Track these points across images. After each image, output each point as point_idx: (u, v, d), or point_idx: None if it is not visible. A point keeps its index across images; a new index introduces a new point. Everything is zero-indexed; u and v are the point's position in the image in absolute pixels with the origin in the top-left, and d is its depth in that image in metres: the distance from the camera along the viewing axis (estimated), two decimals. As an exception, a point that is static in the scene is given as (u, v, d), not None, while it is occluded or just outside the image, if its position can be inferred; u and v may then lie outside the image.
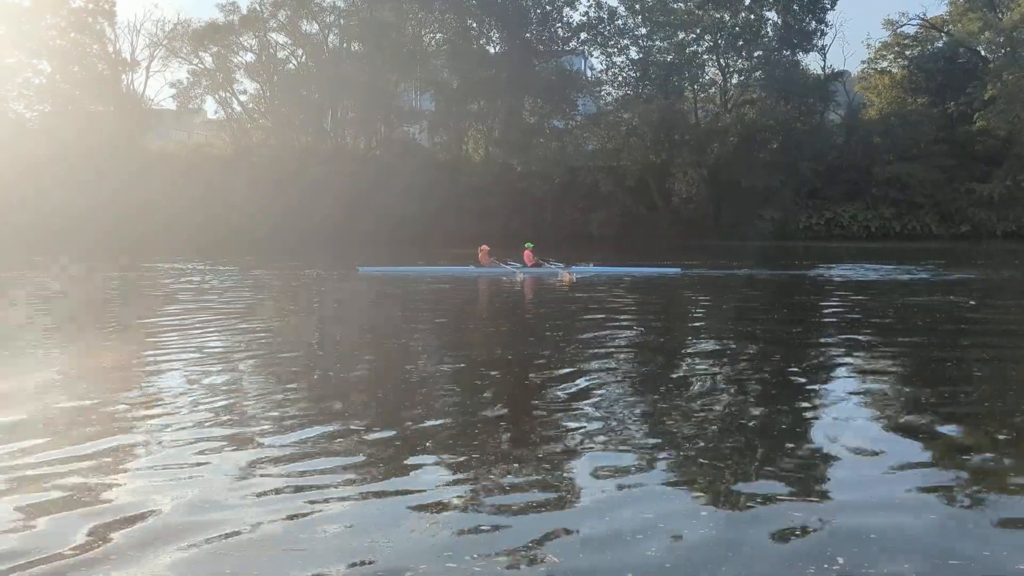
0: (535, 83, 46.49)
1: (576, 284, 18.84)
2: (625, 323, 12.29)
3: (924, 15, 50.31)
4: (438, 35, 50.93)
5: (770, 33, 46.27)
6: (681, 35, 46.08)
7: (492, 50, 49.44)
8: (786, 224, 45.16)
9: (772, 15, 46.89)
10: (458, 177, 43.80)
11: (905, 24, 51.27)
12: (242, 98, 52.91)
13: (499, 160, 45.15)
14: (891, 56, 52.74)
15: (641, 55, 45.27)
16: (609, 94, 48.14)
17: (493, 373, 8.30)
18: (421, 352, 9.90)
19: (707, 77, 47.67)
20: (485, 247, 22.31)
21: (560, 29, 48.03)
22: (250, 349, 9.53)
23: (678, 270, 21.67)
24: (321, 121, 48.58)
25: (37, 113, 52.33)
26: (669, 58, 44.85)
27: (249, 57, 51.17)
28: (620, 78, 46.99)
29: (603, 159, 43.38)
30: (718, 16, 45.61)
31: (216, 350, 9.31)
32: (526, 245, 22.32)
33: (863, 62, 54.65)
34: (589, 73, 49.05)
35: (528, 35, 47.17)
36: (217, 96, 52.09)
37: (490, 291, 18.15)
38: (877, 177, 45.75)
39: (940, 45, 51.41)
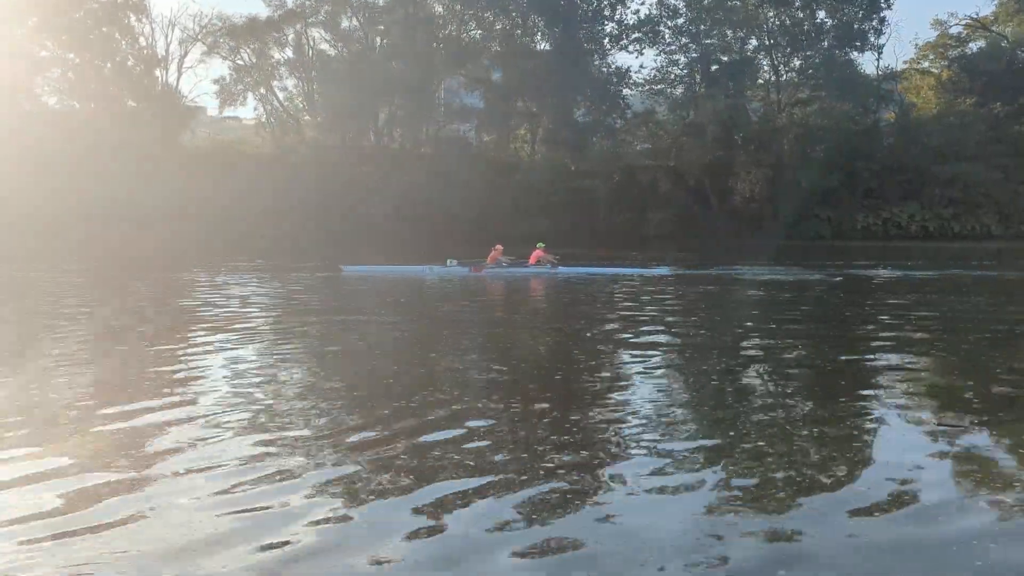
0: (586, 81, 46.09)
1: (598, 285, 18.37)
2: (656, 324, 11.85)
3: (976, 15, 49.59)
4: (482, 32, 50.34)
5: (826, 32, 45.66)
6: (733, 32, 45.53)
7: (540, 47, 49.04)
8: (843, 224, 44.52)
9: (827, 14, 46.24)
10: (513, 175, 43.31)
11: (954, 25, 50.70)
12: (282, 95, 52.12)
13: (553, 159, 44.62)
14: (933, 56, 52.25)
15: (699, 53, 44.74)
16: (660, 92, 47.58)
17: (557, 377, 7.94)
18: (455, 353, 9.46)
19: (762, 76, 47.03)
20: (499, 247, 21.77)
21: (612, 26, 47.61)
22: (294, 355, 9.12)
23: (666, 270, 21.40)
24: (367, 119, 48.05)
25: (70, 107, 51.56)
26: (728, 57, 44.32)
27: (289, 53, 50.81)
28: (672, 76, 46.44)
29: (662, 158, 42.77)
30: (774, 14, 45.13)
31: (264, 363, 8.65)
32: (538, 245, 21.84)
33: (905, 62, 54.27)
34: (643, 71, 48.63)
35: (580, 33, 46.75)
36: (258, 93, 51.26)
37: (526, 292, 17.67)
38: (935, 177, 45.07)
39: (983, 45, 50.88)
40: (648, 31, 46.40)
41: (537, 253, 21.31)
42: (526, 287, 18.48)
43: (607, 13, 46.97)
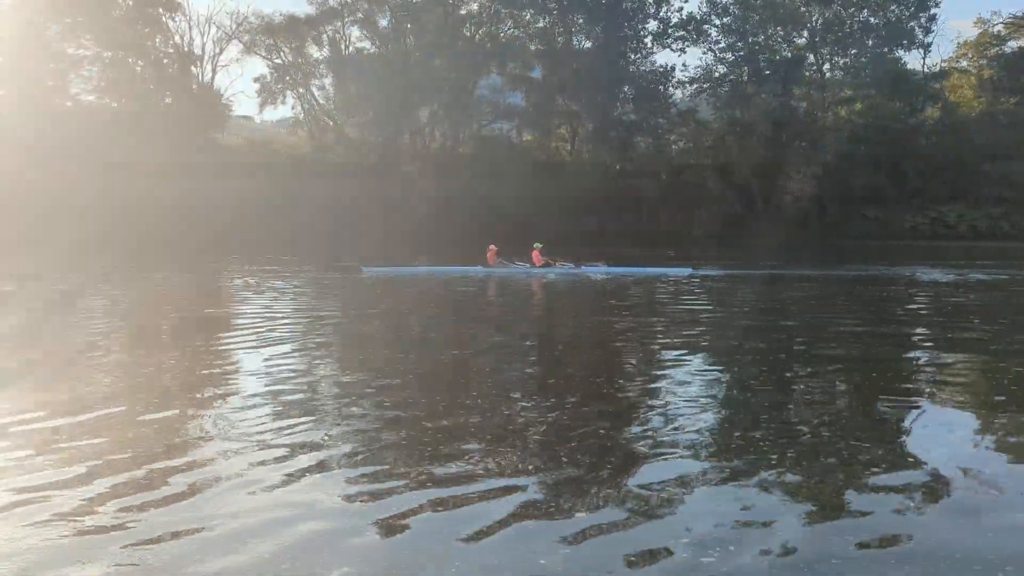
0: (629, 80, 45.94)
1: (624, 284, 18.15)
2: (707, 324, 11.76)
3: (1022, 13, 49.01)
4: (520, 31, 50.10)
5: (873, 30, 45.28)
6: (779, 30, 45.19)
7: (580, 46, 48.81)
8: (891, 224, 44.20)
9: (876, 12, 45.82)
10: (559, 175, 43.25)
11: (998, 23, 50.18)
12: (319, 94, 51.86)
13: (599, 159, 44.49)
14: (971, 55, 51.70)
15: (747, 51, 44.43)
16: (704, 90, 47.35)
17: (597, 381, 7.71)
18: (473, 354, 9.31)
19: (808, 74, 46.67)
20: (493, 247, 21.53)
21: (654, 24, 47.35)
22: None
23: (688, 270, 21.13)
24: (409, 118, 47.96)
25: (106, 105, 51.22)
26: (777, 56, 44.04)
27: (326, 52, 50.49)
28: (719, 74, 46.16)
29: (708, 157, 42.58)
30: (819, 12, 44.80)
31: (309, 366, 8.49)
32: (535, 245, 21.46)
33: (943, 61, 53.77)
34: (687, 70, 48.29)
35: (623, 31, 46.55)
36: (296, 92, 50.97)
37: (538, 292, 17.36)
38: (983, 176, 44.67)
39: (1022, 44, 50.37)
40: (693, 29, 46.14)
41: (534, 254, 21.10)
42: (551, 288, 18.06)
43: (650, 11, 46.73)
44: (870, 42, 46.17)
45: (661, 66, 46.91)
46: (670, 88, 46.55)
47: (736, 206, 43.78)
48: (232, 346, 9.33)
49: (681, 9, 46.91)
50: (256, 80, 50.09)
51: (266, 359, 8.30)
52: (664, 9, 46.18)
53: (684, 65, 48.11)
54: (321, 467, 4.81)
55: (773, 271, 22.38)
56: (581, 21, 47.89)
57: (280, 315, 12.28)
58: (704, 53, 47.55)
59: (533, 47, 48.61)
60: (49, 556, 3.61)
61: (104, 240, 39.67)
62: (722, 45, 45.15)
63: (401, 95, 44.35)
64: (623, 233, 43.37)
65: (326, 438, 5.39)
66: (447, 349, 9.41)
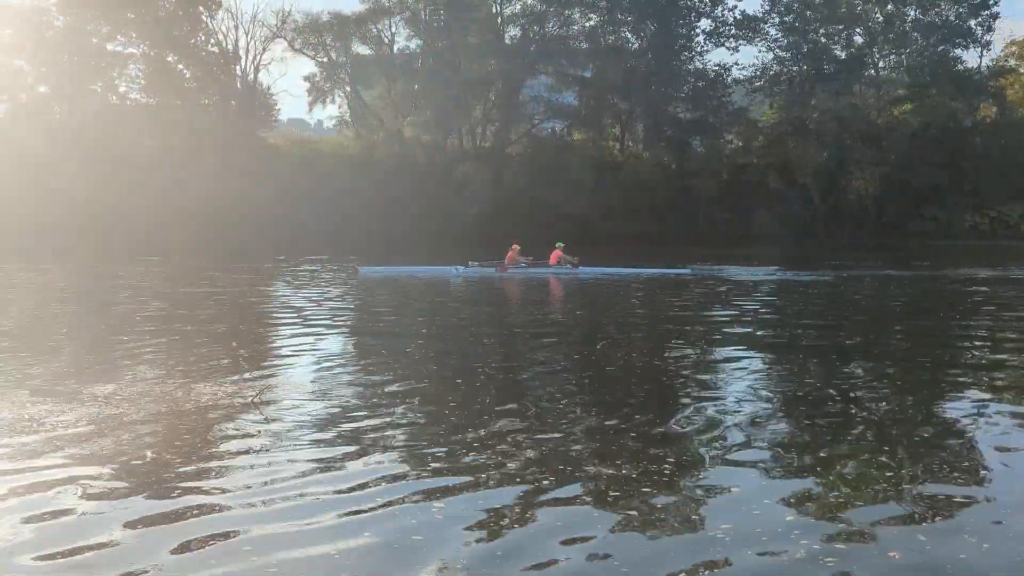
0: (685, 78, 45.84)
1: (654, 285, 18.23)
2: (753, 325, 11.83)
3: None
4: (570, 29, 49.87)
5: (933, 28, 44.78)
6: (838, 29, 44.83)
7: (632, 45, 48.69)
8: (951, 224, 43.74)
9: (930, 10, 45.33)
10: (615, 174, 43.24)
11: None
12: (367, 93, 51.38)
13: (657, 158, 44.42)
14: (1017, 52, 50.99)
15: (807, 50, 44.11)
16: (761, 89, 47.11)
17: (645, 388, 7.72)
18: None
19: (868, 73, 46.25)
20: (516, 246, 21.46)
21: (707, 23, 47.18)
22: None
23: (687, 270, 21.12)
24: (458, 117, 47.95)
25: (148, 103, 50.83)
26: (838, 54, 43.72)
27: (374, 51, 50.40)
28: (778, 73, 45.82)
29: (766, 156, 42.34)
30: (879, 10, 44.40)
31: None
32: (557, 244, 21.51)
33: (992, 60, 53.02)
34: (744, 69, 48.03)
35: (677, 29, 46.45)
36: (344, 91, 50.60)
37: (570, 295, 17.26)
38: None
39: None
40: (748, 27, 45.92)
41: (557, 253, 21.07)
42: (569, 288, 18.06)
43: (704, 9, 46.55)
44: (928, 40, 45.67)
45: (717, 64, 46.79)
46: (727, 87, 46.29)
47: (794, 206, 43.53)
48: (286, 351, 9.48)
49: (735, 7, 46.47)
50: (306, 79, 50.24)
51: (318, 361, 8.60)
52: (719, 8, 46.02)
53: (736, 64, 46.88)
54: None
55: (874, 272, 22.30)
56: (630, 19, 47.78)
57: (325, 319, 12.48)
58: (760, 52, 47.24)
59: (583, 46, 48.46)
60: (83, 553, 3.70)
61: (160, 240, 40.27)
62: (783, 43, 44.75)
63: (453, 94, 44.40)
64: (679, 234, 43.25)
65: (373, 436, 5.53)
66: (492, 351, 9.51)
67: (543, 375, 8.12)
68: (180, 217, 44.32)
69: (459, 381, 7.58)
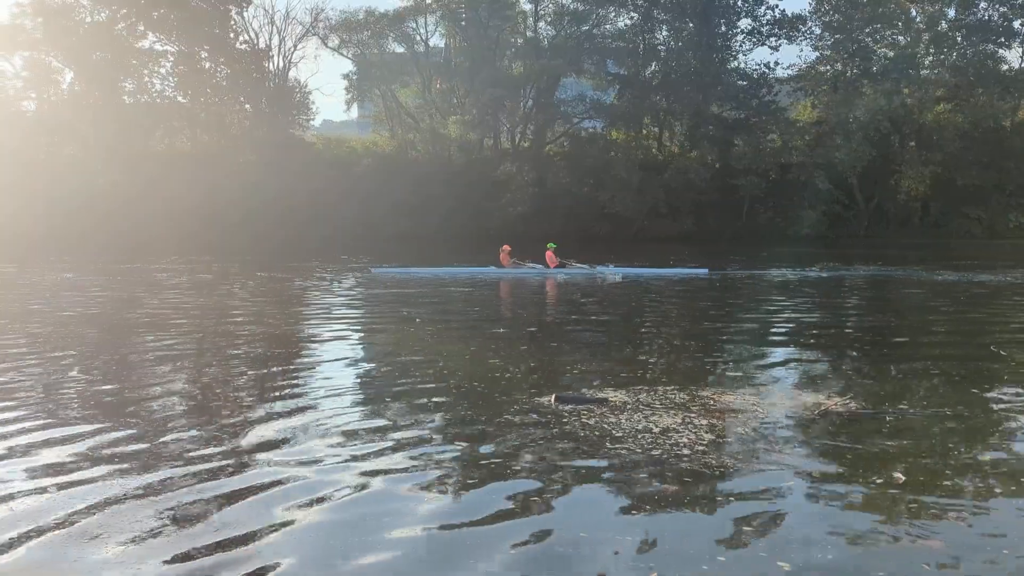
0: (725, 77, 45.64)
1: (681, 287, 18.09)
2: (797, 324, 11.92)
3: None
4: (607, 26, 49.55)
5: (977, 26, 44.37)
6: (883, 28, 44.47)
7: (671, 43, 48.44)
8: (995, 223, 43.59)
9: (971, 9, 44.88)
10: (662, 174, 43.16)
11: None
12: (404, 92, 51.02)
13: (702, 159, 44.30)
14: None
15: (852, 49, 43.75)
16: (802, 88, 46.87)
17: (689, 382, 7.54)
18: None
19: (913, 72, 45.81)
20: (507, 247, 21.37)
21: (748, 22, 46.86)
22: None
23: (705, 271, 21.07)
24: (497, 115, 47.87)
25: (178, 101, 50.60)
26: (885, 53, 43.42)
27: (409, 49, 50.06)
28: (823, 72, 45.49)
29: (810, 155, 42.18)
30: (922, 9, 44.02)
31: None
32: (548, 246, 21.36)
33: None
34: (789, 67, 47.67)
35: (719, 28, 46.20)
36: (381, 89, 49.97)
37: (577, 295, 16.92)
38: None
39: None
40: (788, 26, 45.61)
41: (548, 254, 20.99)
42: (580, 290, 17.65)
43: (745, 7, 46.21)
44: (968, 40, 45.24)
45: (759, 63, 46.56)
46: (770, 85, 46.06)
47: (840, 206, 43.50)
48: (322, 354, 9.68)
49: (776, 6, 46.14)
50: (344, 76, 50.25)
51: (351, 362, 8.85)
52: (762, 7, 45.71)
53: (776, 63, 46.56)
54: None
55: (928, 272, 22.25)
56: (666, 17, 47.49)
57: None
58: (802, 51, 46.89)
59: (621, 45, 48.21)
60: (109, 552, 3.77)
61: (197, 239, 40.38)
62: (828, 41, 44.39)
63: (497, 93, 44.31)
64: (722, 233, 43.33)
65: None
66: (527, 353, 9.42)
67: (581, 374, 8.13)
68: (217, 216, 44.66)
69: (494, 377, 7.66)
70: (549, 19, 48.88)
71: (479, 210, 43.96)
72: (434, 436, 5.70)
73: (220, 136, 50.34)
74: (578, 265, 20.68)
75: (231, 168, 46.29)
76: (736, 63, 46.57)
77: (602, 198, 42.26)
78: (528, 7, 48.91)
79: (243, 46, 50.14)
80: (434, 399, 6.80)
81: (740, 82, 45.68)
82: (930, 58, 45.50)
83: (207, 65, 49.61)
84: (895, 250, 33.64)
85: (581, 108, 47.70)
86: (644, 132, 47.78)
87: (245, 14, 50.42)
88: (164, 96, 50.22)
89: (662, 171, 43.10)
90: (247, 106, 49.58)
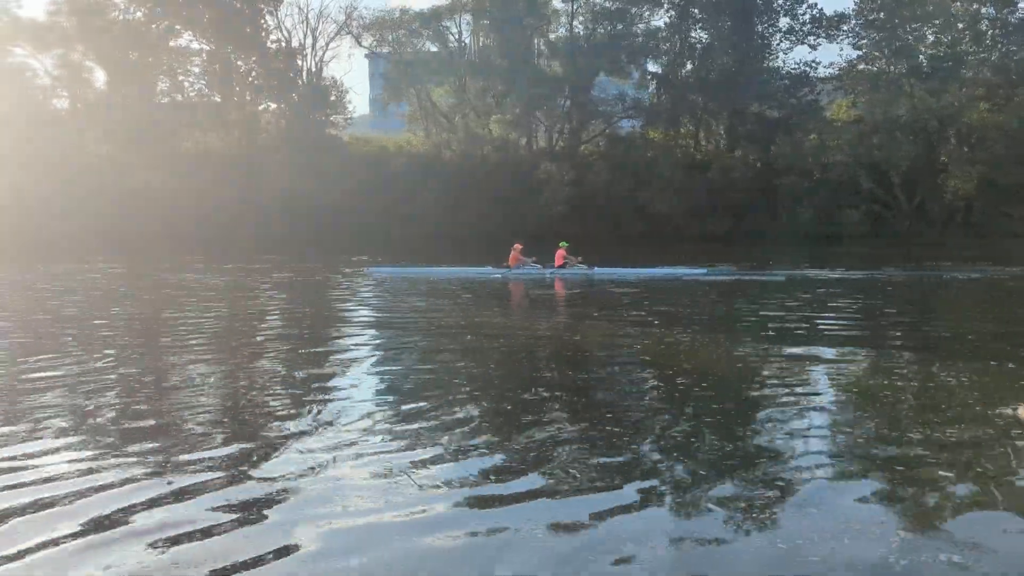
0: (766, 76, 45.27)
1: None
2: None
3: None
4: (642, 25, 49.20)
5: (1018, 25, 43.87)
6: (927, 27, 44.00)
7: (706, 42, 48.03)
8: (1037, 223, 43.10)
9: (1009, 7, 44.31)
10: (704, 173, 42.89)
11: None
12: (438, 91, 50.94)
13: (745, 159, 43.98)
14: None
15: (897, 48, 43.27)
16: (842, 87, 46.44)
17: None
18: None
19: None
20: (518, 245, 21.12)
21: (786, 22, 46.46)
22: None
23: (704, 270, 20.85)
24: (541, 116, 47.68)
25: (214, 100, 50.64)
26: (936, 51, 42.89)
27: (443, 48, 50.11)
28: (869, 71, 44.94)
29: (863, 154, 41.76)
30: (964, 8, 43.53)
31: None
32: (560, 244, 21.14)
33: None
34: (831, 66, 47.22)
35: (759, 27, 45.83)
36: (416, 88, 49.94)
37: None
38: None
39: None
40: (829, 25, 45.19)
41: (560, 253, 20.69)
42: (590, 289, 17.49)
43: (785, 6, 45.80)
44: (1009, 39, 44.72)
45: (797, 62, 46.15)
46: (812, 84, 45.67)
47: (881, 205, 43.11)
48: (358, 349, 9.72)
49: (815, 5, 45.64)
50: (382, 75, 50.03)
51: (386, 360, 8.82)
52: (802, 6, 45.28)
53: (814, 61, 46.16)
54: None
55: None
56: (703, 16, 47.14)
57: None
58: (842, 50, 46.48)
59: (658, 45, 47.89)
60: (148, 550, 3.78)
61: (230, 238, 40.37)
62: (871, 40, 43.88)
63: (536, 92, 44.12)
64: (762, 233, 43.05)
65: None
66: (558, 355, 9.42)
67: (612, 376, 8.14)
68: (249, 215, 44.54)
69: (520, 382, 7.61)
70: (584, 18, 48.53)
71: (515, 210, 43.73)
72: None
73: (252, 135, 50.30)
74: (580, 265, 20.49)
75: (265, 167, 46.23)
76: (776, 62, 46.11)
77: (643, 197, 41.99)
78: (563, 6, 48.68)
79: (274, 45, 50.11)
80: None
81: (781, 81, 45.20)
82: (970, 57, 44.98)
83: (239, 64, 49.50)
84: (943, 249, 33.28)
85: (620, 107, 47.39)
86: (682, 131, 47.32)
87: (278, 13, 50.35)
88: (198, 95, 49.93)
89: (703, 170, 42.77)
90: (281, 105, 49.34)
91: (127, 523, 4.12)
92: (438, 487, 4.65)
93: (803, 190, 42.38)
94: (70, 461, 5.10)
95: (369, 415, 6.18)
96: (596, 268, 20.42)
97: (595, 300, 15.95)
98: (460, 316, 13.05)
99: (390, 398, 6.95)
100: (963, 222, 43.21)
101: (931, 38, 43.69)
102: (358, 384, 7.48)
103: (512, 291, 17.51)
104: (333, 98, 48.65)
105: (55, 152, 46.02)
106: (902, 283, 19.24)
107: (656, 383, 7.74)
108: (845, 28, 44.64)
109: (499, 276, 19.95)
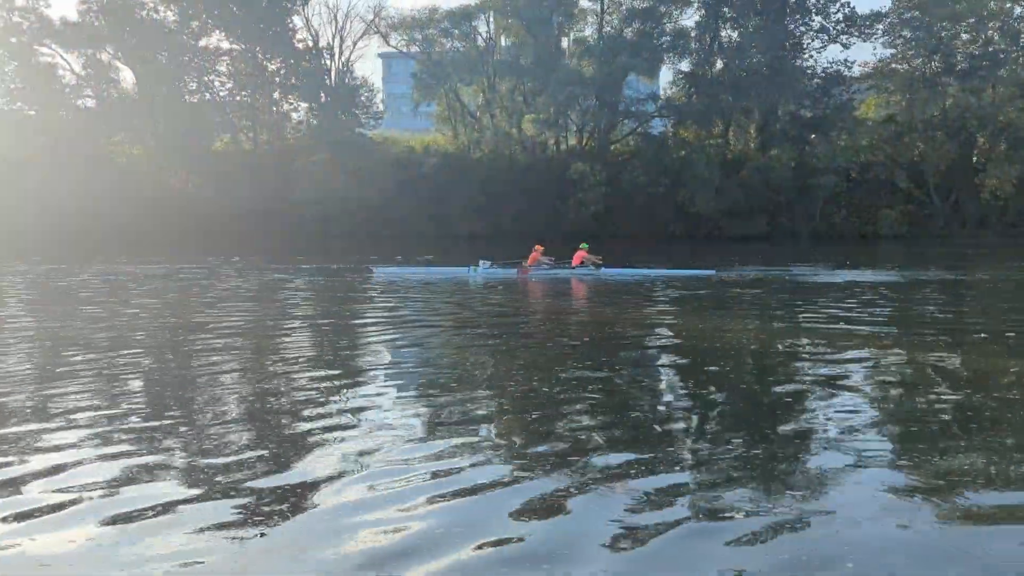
0: (799, 75, 45.07)
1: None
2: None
3: None
4: (672, 23, 48.92)
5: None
6: (956, 25, 43.83)
7: (738, 41, 47.74)
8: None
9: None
10: (739, 172, 42.72)
11: None
12: (467, 90, 50.53)
13: (779, 159, 43.76)
14: None
15: (935, 47, 43.06)
16: (876, 87, 46.25)
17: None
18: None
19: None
20: (539, 247, 21.28)
21: (819, 20, 46.20)
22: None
23: (713, 272, 20.81)
24: (566, 114, 47.33)
25: (244, 99, 50.06)
26: (978, 51, 42.69)
27: (470, 47, 49.73)
28: (905, 70, 44.73)
29: (900, 153, 41.62)
30: (998, 5, 43.38)
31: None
32: (581, 245, 21.27)
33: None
34: (866, 65, 46.98)
35: (791, 26, 45.62)
36: (446, 88, 49.36)
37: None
38: None
39: None
40: (864, 24, 44.97)
41: (580, 254, 20.77)
42: (608, 290, 17.28)
43: (819, 5, 45.58)
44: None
45: (830, 61, 45.93)
46: (847, 83, 45.44)
47: (916, 204, 43.01)
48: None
49: (848, 3, 45.41)
50: (413, 75, 49.83)
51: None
52: (834, 6, 45.08)
53: (847, 61, 45.86)
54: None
55: None
56: (732, 15, 46.88)
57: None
58: (875, 48, 46.25)
59: (688, 44, 47.70)
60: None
61: (260, 237, 40.19)
62: (905, 39, 43.67)
63: (570, 91, 43.87)
64: (798, 232, 42.94)
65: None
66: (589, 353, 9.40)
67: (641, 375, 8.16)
68: (277, 214, 44.34)
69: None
70: (614, 17, 48.33)
71: (550, 209, 43.71)
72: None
73: (282, 135, 50.18)
74: (592, 264, 20.57)
75: (295, 167, 46.10)
76: (809, 60, 45.86)
77: (681, 197, 41.86)
78: (591, 5, 48.45)
79: (300, 44, 49.89)
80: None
81: (815, 80, 45.00)
82: (1002, 55, 44.84)
83: (268, 64, 49.29)
84: (984, 249, 33.10)
85: (652, 106, 47.24)
86: (714, 131, 47.15)
87: (305, 10, 50.16)
88: (229, 93, 49.78)
89: (738, 169, 42.68)
90: (313, 105, 49.08)
91: (162, 514, 4.25)
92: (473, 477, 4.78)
93: (839, 190, 42.22)
94: (101, 456, 5.25)
95: (394, 417, 6.21)
96: (603, 268, 20.53)
97: (616, 297, 15.96)
98: (487, 313, 13.33)
99: (412, 394, 7.07)
100: (998, 222, 43.09)
101: (965, 36, 43.39)
102: (381, 390, 7.37)
103: (532, 289, 17.70)
104: (364, 97, 48.31)
105: (83, 152, 46.01)
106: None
107: (687, 378, 7.88)
108: (879, 27, 44.22)
109: (514, 275, 20.09)
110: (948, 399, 6.68)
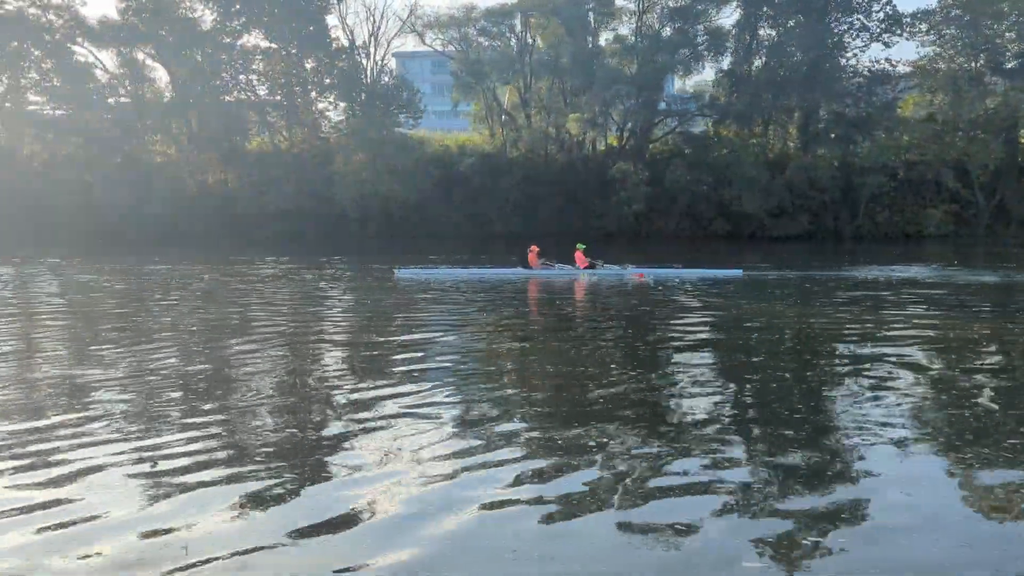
0: (843, 74, 44.71)
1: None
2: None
3: None
4: (710, 23, 48.54)
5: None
6: (1001, 23, 43.46)
7: (778, 40, 47.40)
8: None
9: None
10: (783, 171, 42.32)
11: None
12: (503, 89, 50.17)
13: (827, 155, 43.41)
14: None
15: (982, 45, 42.71)
16: (920, 86, 45.87)
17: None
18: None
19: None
20: (535, 248, 21.42)
21: (860, 19, 45.86)
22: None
23: (739, 272, 20.76)
24: (615, 114, 46.91)
25: (279, 100, 49.33)
26: (1016, 49, 42.33)
27: (503, 45, 49.36)
28: (952, 69, 44.29)
29: (945, 152, 41.22)
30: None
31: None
32: (578, 246, 21.39)
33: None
34: (908, 64, 46.58)
35: (832, 25, 45.25)
36: (483, 86, 48.79)
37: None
38: None
39: None
40: (909, 23, 44.59)
41: (578, 255, 21.01)
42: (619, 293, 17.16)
43: (860, 3, 45.20)
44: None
45: (872, 60, 45.55)
46: (893, 82, 45.05)
47: (958, 204, 42.66)
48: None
49: (890, 2, 45.02)
50: (452, 74, 49.49)
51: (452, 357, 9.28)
52: (877, 5, 44.71)
53: (896, 60, 45.38)
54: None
55: None
56: (772, 14, 46.53)
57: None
58: (918, 47, 45.81)
59: (729, 43, 47.36)
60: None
61: (299, 236, 39.98)
62: (949, 37, 43.24)
63: (616, 89, 43.55)
64: (841, 232, 42.63)
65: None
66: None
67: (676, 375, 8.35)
68: (313, 213, 44.11)
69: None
70: (652, 16, 48.01)
71: (590, 208, 43.43)
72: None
73: (319, 133, 49.80)
74: (607, 266, 20.73)
75: (333, 166, 45.74)
76: (852, 59, 45.47)
77: (726, 196, 41.51)
78: (629, 5, 48.10)
79: (335, 44, 49.44)
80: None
81: (858, 79, 44.60)
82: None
83: (304, 63, 48.92)
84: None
85: (694, 105, 46.93)
86: (756, 130, 46.75)
87: (340, 8, 49.79)
88: (268, 92, 49.50)
89: (779, 169, 42.34)
90: (354, 105, 48.62)
91: (198, 506, 4.57)
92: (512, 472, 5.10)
93: (884, 189, 41.86)
94: (136, 448, 5.65)
95: (425, 415, 6.49)
96: (630, 268, 20.66)
97: (647, 298, 16.02)
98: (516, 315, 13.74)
99: (446, 393, 7.37)
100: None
101: (1009, 35, 42.99)
102: (412, 391, 7.54)
103: (535, 290, 17.93)
104: (405, 95, 47.85)
105: (119, 151, 45.74)
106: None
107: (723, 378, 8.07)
108: (924, 26, 43.80)
109: (526, 276, 20.24)
110: (990, 406, 6.93)
